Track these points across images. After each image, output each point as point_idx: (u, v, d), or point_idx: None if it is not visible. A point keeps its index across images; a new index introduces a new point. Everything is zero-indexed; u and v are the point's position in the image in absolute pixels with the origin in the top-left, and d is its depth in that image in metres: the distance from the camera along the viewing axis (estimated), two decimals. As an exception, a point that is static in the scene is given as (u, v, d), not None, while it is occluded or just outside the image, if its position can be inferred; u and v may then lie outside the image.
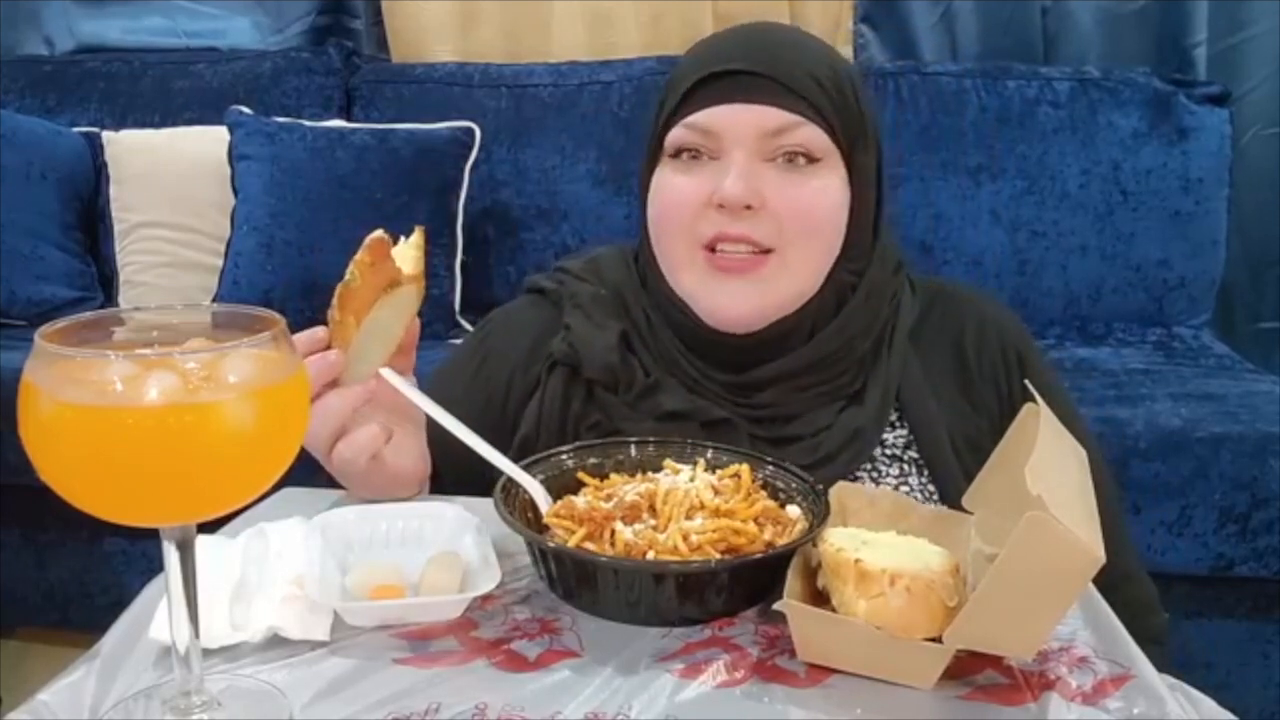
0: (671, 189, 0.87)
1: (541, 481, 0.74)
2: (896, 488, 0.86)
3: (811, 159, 0.84)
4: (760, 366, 0.89)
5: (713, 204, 0.84)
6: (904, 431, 0.90)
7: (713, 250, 0.85)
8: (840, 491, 0.73)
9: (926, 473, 0.88)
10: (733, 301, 0.86)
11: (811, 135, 0.84)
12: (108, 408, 0.49)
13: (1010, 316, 0.98)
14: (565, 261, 1.01)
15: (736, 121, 0.83)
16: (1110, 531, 0.93)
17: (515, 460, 0.75)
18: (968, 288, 1.01)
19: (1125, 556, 0.95)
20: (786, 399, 0.89)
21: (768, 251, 0.84)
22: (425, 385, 0.81)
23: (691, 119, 0.85)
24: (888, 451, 0.89)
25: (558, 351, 0.91)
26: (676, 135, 0.86)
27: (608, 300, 0.94)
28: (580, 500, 0.72)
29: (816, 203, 0.85)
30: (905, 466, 0.88)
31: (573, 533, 0.68)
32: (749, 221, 0.83)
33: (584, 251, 1.01)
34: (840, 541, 0.63)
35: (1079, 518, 0.57)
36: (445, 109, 2.24)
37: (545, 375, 0.92)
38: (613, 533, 0.67)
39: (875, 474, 0.88)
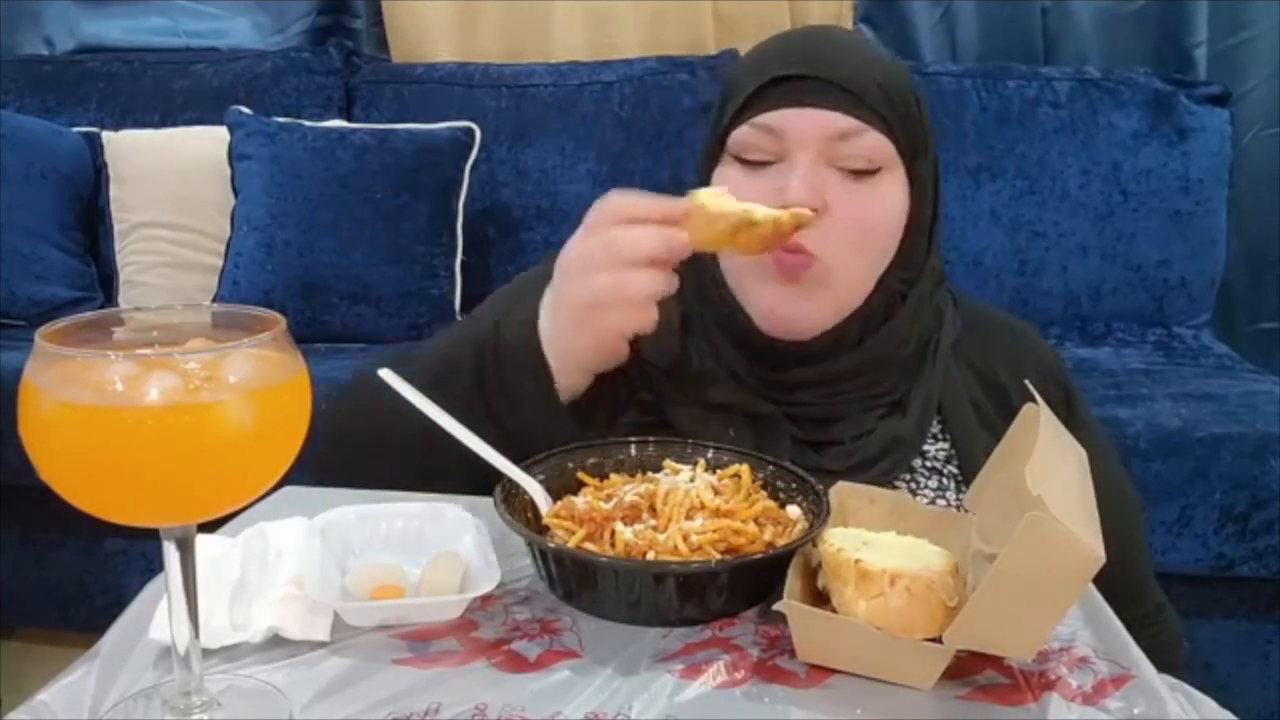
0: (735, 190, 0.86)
1: (541, 482, 0.73)
2: (933, 500, 0.86)
3: (874, 168, 0.84)
4: (803, 368, 0.88)
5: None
6: (945, 445, 0.89)
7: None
8: (840, 491, 0.73)
9: (966, 488, 0.86)
10: (790, 309, 0.85)
11: (875, 142, 0.83)
12: (108, 408, 0.49)
13: (1053, 353, 0.99)
14: None
15: (803, 124, 0.83)
16: (1141, 572, 0.94)
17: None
18: (1010, 316, 1.01)
19: (1156, 595, 0.97)
20: (826, 400, 0.88)
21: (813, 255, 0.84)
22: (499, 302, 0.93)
23: (758, 119, 0.84)
24: (928, 464, 0.88)
25: None
26: (741, 135, 0.85)
27: None
28: (580, 500, 0.72)
29: (877, 213, 0.85)
30: (944, 480, 0.88)
31: (573, 533, 0.68)
32: (810, 228, 0.82)
33: None
34: (840, 541, 0.63)
35: (1079, 518, 0.57)
36: (445, 109, 2.24)
37: None
38: (613, 533, 0.67)
39: (914, 485, 0.87)
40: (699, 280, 0.90)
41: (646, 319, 0.77)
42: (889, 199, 0.85)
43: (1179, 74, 2.18)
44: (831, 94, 0.83)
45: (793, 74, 0.83)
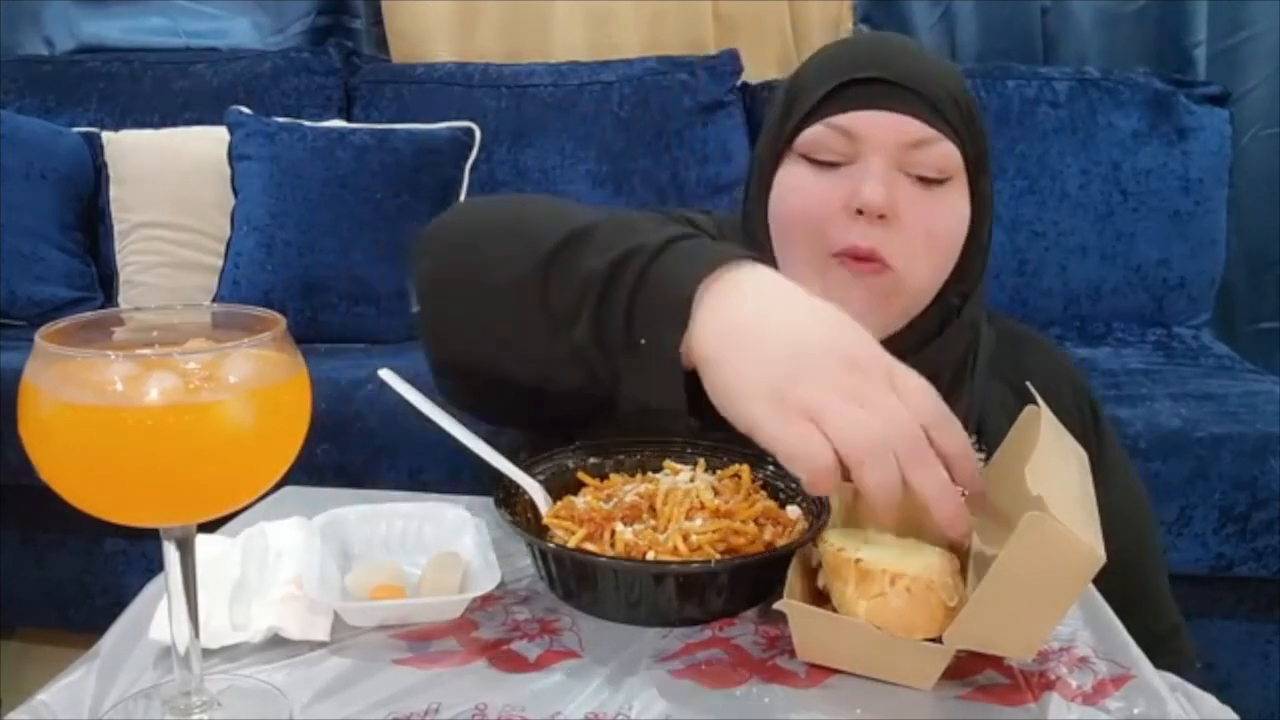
0: (803, 192, 0.85)
1: (541, 482, 0.73)
2: None
3: (943, 177, 0.84)
4: None
5: (848, 208, 0.82)
6: (981, 456, 0.89)
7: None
8: (840, 491, 0.73)
9: None
10: (852, 311, 0.78)
11: (947, 152, 0.83)
12: (108, 408, 0.49)
13: (1080, 370, 1.00)
14: (691, 214, 0.95)
15: (879, 127, 0.82)
16: (1159, 589, 0.94)
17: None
18: (1038, 334, 1.02)
19: (1173, 614, 0.96)
20: None
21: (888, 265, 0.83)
22: None
23: (833, 119, 0.83)
24: None
25: None
26: (813, 134, 0.84)
27: None
28: (580, 501, 0.72)
29: (945, 222, 0.85)
30: None
31: (572, 533, 0.68)
32: (881, 232, 0.82)
33: (696, 209, 0.96)
34: (840, 541, 0.63)
35: (1079, 518, 0.57)
36: (445, 109, 2.24)
37: None
38: (613, 533, 0.67)
39: None
40: None
41: (818, 481, 0.59)
42: (955, 210, 0.85)
43: (1179, 74, 2.18)
44: (908, 100, 0.82)
45: (870, 77, 0.83)
